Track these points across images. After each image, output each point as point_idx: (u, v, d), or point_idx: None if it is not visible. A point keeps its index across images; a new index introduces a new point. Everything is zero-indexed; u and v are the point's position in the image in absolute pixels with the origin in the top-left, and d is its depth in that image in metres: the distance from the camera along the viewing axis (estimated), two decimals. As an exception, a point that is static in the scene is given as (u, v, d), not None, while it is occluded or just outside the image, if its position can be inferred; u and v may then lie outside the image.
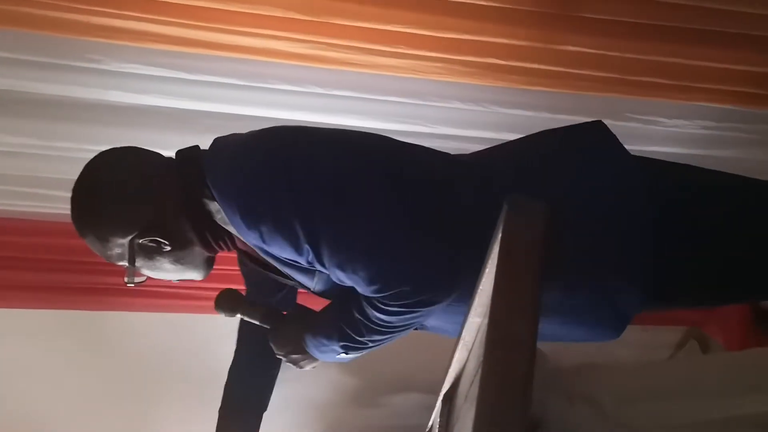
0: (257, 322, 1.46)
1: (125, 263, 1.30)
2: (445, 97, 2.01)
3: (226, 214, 1.23)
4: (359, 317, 1.22)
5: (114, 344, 2.43)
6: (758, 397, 0.94)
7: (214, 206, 1.25)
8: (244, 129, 1.79)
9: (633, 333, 2.58)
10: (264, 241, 1.19)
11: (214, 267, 1.42)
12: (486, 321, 0.84)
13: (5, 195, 2.21)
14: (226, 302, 1.47)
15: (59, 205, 2.23)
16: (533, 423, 0.88)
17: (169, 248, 1.28)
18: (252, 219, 1.18)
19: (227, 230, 1.29)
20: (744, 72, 1.98)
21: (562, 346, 1.44)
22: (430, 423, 1.47)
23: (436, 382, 1.38)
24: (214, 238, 1.30)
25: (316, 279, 1.28)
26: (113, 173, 1.29)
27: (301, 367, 1.47)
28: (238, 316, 1.47)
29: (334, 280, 1.22)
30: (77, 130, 2.00)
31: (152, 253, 1.29)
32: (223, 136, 1.36)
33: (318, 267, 1.20)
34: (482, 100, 2.02)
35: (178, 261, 1.32)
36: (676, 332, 2.80)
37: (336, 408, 2.51)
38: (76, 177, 2.08)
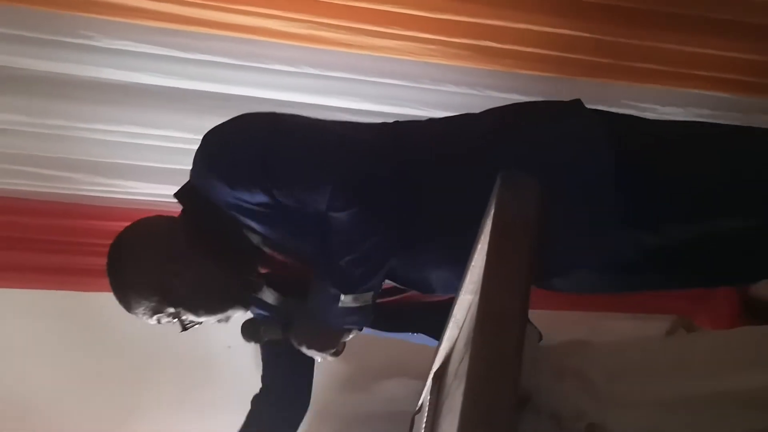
0: (280, 336, 1.51)
1: (167, 308, 1.41)
2: (439, 80, 2.01)
3: (202, 182, 1.36)
4: (331, 234, 1.31)
5: (106, 326, 2.41)
6: (749, 374, 0.95)
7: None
8: (237, 109, 1.78)
9: (622, 321, 2.64)
10: (230, 186, 1.32)
11: None
12: (477, 298, 0.84)
13: (-4, 173, 2.19)
14: (249, 330, 1.51)
15: (50, 184, 2.21)
16: (522, 398, 0.88)
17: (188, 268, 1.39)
18: (212, 165, 1.34)
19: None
20: (739, 60, 1.98)
21: (551, 329, 1.46)
22: (420, 401, 1.47)
23: (427, 368, 1.38)
24: (219, 238, 1.39)
25: (304, 237, 1.36)
26: (128, 240, 1.45)
27: (323, 350, 1.47)
28: (266, 338, 1.52)
29: (302, 206, 1.32)
30: (69, 108, 1.98)
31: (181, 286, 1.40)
32: None
33: (280, 197, 1.31)
34: (476, 83, 2.01)
35: (201, 280, 1.41)
36: (665, 321, 2.82)
37: (326, 393, 2.51)
38: (68, 155, 2.07)
